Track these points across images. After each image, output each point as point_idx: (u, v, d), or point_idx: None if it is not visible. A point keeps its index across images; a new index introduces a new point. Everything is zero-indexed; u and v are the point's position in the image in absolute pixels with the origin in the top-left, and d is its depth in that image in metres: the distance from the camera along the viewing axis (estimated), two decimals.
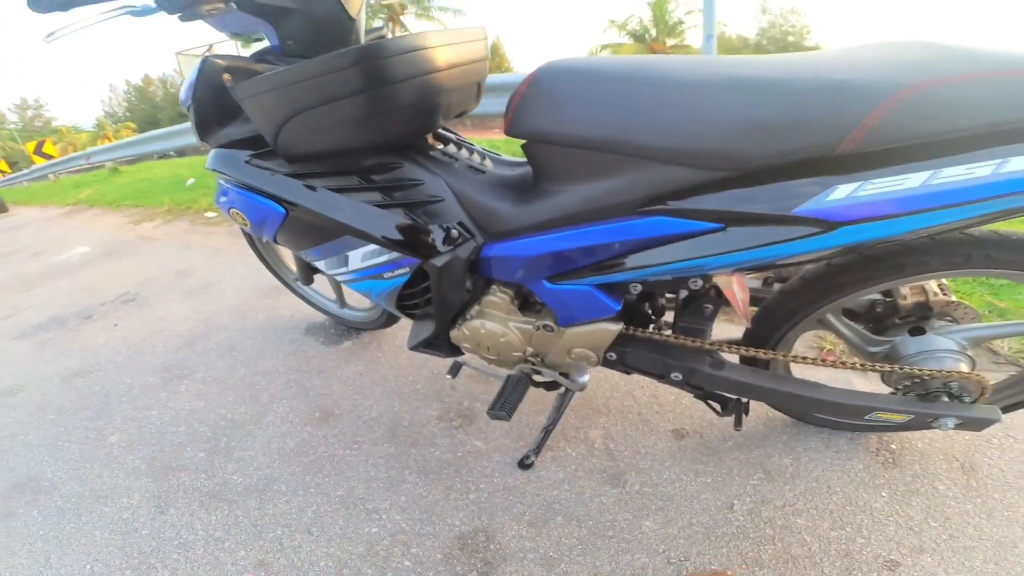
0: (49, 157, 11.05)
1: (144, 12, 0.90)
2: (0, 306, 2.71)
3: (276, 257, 1.78)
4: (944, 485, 1.08)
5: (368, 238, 0.96)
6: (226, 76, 0.97)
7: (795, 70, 0.66)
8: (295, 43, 0.97)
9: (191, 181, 4.77)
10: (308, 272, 1.42)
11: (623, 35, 25.92)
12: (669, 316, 1.02)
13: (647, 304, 1.01)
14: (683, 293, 0.96)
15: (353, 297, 1.81)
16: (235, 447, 1.38)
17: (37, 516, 1.26)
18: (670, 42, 25.42)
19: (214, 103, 1.03)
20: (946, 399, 0.92)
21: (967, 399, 0.92)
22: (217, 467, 1.32)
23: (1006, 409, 1.03)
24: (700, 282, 0.79)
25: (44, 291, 2.81)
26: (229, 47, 1.23)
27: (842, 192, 0.63)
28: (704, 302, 0.92)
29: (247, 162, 1.05)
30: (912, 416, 0.92)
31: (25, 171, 11.44)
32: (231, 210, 1.16)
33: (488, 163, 1.03)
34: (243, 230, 1.60)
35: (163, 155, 7.78)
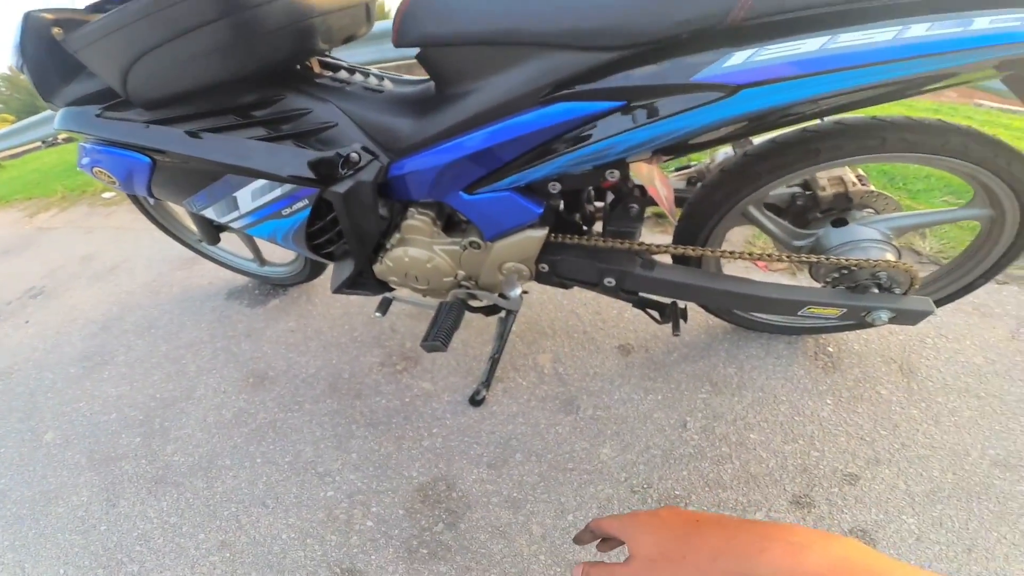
0: None
1: None
2: None
3: (174, 220, 1.66)
4: (887, 389, 1.12)
5: (255, 174, 0.89)
6: (56, 30, 0.90)
7: None
8: None
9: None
10: (211, 230, 1.31)
11: None
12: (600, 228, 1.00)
13: (576, 214, 0.98)
14: (609, 197, 0.94)
15: (274, 253, 1.71)
16: (170, 427, 1.30)
17: None
18: None
19: (50, 60, 0.96)
20: (876, 291, 0.94)
21: (897, 291, 0.94)
22: (156, 450, 1.25)
23: (936, 303, 1.06)
24: (616, 172, 0.77)
25: None
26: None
27: (739, 58, 0.62)
28: (629, 202, 0.90)
29: (98, 116, 0.96)
30: (845, 309, 0.93)
31: None
32: (95, 169, 1.06)
33: (387, 83, 0.97)
34: (130, 197, 1.46)
35: (51, 143, 7.04)
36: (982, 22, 0.57)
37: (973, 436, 1.01)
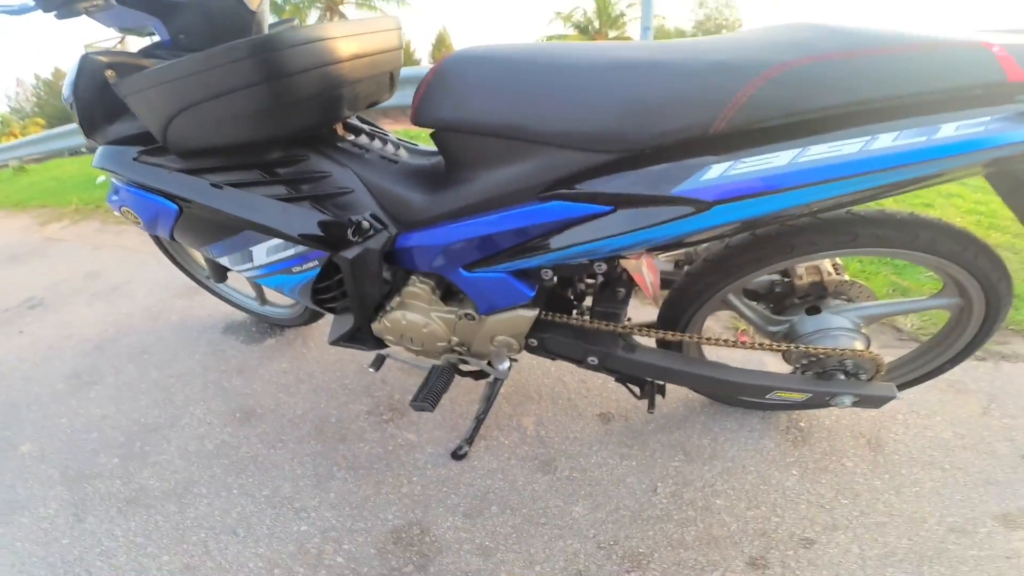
0: None
1: (22, 11, 0.88)
2: None
3: (186, 255, 1.70)
4: (852, 462, 1.14)
5: (270, 232, 0.93)
6: (109, 72, 0.94)
7: (677, 52, 0.69)
8: (187, 37, 0.94)
9: (101, 179, 4.40)
10: (220, 269, 1.35)
11: (568, 27, 26.42)
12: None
13: (568, 290, 1.03)
14: (600, 279, 1.00)
15: (274, 293, 1.74)
16: (150, 452, 1.31)
17: None
18: (612, 34, 26.12)
19: (99, 100, 1.00)
20: (842, 377, 0.98)
21: (863, 376, 0.98)
22: (133, 472, 1.26)
23: (905, 385, 1.10)
24: (604, 266, 0.82)
25: None
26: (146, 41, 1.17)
27: (715, 172, 0.67)
28: (617, 286, 0.95)
29: (135, 159, 1.01)
30: (810, 394, 0.97)
31: None
32: (122, 208, 1.11)
33: (402, 153, 1.02)
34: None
35: (74, 152, 7.17)
36: (948, 129, 0.60)
37: (932, 505, 1.04)
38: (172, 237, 1.09)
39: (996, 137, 0.59)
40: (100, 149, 1.08)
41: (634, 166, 0.72)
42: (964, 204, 2.37)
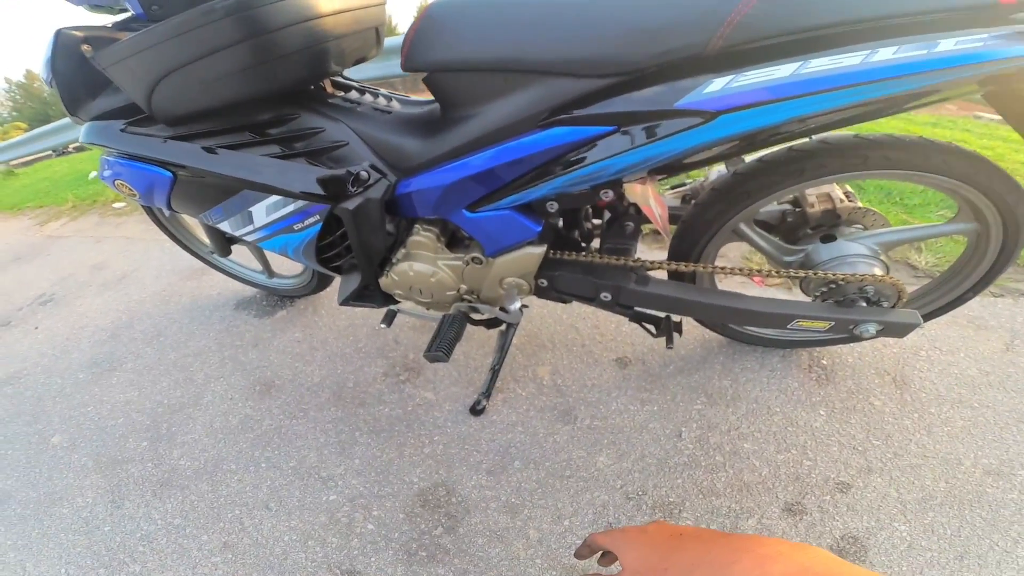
0: None
1: None
2: None
3: (186, 232, 1.70)
4: (879, 400, 1.13)
5: (269, 189, 0.93)
6: (85, 47, 0.94)
7: None
8: (161, 8, 0.91)
9: (94, 174, 4.40)
10: (223, 242, 1.35)
11: None
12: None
13: (575, 231, 1.02)
14: (607, 215, 0.98)
15: (282, 265, 1.75)
16: (177, 432, 1.33)
17: (1, 528, 1.20)
18: None
19: (78, 75, 1.00)
20: (864, 304, 0.96)
21: (885, 304, 0.96)
22: (163, 454, 1.28)
23: (927, 316, 1.08)
24: (610, 193, 0.81)
25: None
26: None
27: (717, 85, 0.67)
28: (624, 220, 0.93)
29: (123, 131, 1.00)
30: (833, 322, 0.96)
31: None
32: (116, 182, 1.10)
33: (395, 104, 1.01)
34: (144, 208, 1.50)
35: (62, 152, 7.12)
36: (947, 44, 0.60)
37: (966, 446, 1.03)
38: (170, 206, 1.08)
39: (995, 51, 0.59)
40: (86, 125, 1.07)
41: (634, 88, 0.71)
42: (969, 148, 2.30)
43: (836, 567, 0.34)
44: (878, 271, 0.93)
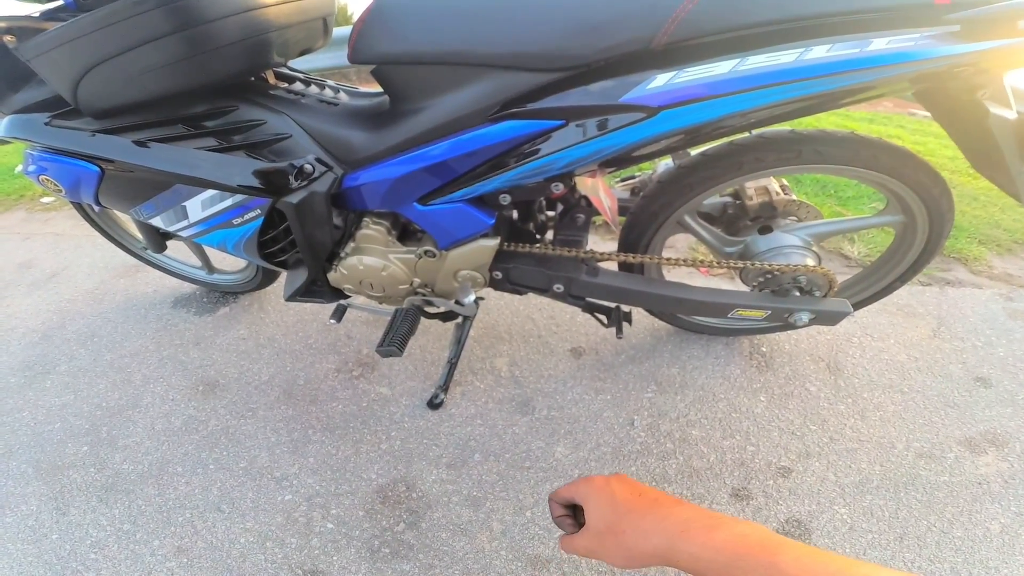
0: None
1: None
2: None
3: (118, 227, 1.60)
4: (815, 386, 1.19)
5: (206, 184, 0.89)
6: (8, 37, 0.87)
7: None
8: None
9: (19, 168, 4.06)
10: (157, 238, 1.28)
11: None
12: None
13: (529, 224, 1.02)
14: (560, 207, 0.99)
15: (224, 260, 1.67)
16: (118, 435, 1.27)
17: None
18: None
19: (0, 67, 0.94)
20: (797, 293, 1.02)
21: (817, 293, 1.02)
22: (105, 459, 1.22)
23: (857, 305, 1.14)
24: (561, 186, 0.82)
25: None
26: None
27: (661, 80, 0.69)
28: (576, 212, 0.95)
29: (47, 124, 0.95)
30: (769, 311, 1.01)
31: None
32: (41, 177, 1.04)
33: (343, 96, 0.99)
34: (73, 204, 1.41)
35: None
36: (879, 43, 0.63)
37: (898, 429, 1.09)
38: (98, 202, 1.02)
39: (925, 51, 0.62)
40: (7, 119, 1.01)
41: (582, 82, 0.73)
42: (900, 144, 2.46)
43: (769, 537, 0.39)
44: (810, 261, 0.99)
